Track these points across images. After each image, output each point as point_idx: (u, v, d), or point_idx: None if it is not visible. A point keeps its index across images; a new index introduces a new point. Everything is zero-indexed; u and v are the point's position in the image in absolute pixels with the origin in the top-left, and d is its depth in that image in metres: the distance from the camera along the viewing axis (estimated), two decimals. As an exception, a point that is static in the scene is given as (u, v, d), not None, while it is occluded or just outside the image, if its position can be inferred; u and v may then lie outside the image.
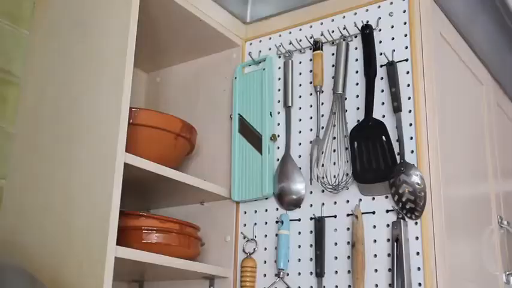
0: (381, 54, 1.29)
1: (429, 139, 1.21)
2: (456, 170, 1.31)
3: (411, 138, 1.22)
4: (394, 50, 1.28)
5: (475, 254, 1.35)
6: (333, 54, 1.36)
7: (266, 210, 1.36)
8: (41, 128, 1.27)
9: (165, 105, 1.58)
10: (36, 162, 1.24)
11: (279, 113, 1.40)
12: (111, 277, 1.04)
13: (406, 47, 1.27)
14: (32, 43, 1.37)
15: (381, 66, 1.29)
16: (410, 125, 1.22)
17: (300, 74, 1.40)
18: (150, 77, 1.66)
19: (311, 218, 1.29)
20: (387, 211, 1.20)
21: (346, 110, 1.30)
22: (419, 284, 1.13)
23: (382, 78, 1.28)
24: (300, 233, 1.30)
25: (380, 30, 1.31)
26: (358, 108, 1.29)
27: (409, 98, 1.24)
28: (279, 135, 1.39)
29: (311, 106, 1.36)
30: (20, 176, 1.26)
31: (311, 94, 1.37)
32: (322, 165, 1.28)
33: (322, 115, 1.34)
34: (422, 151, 1.20)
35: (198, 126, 1.41)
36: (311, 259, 1.26)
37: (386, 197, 1.21)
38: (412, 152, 1.21)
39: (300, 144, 1.36)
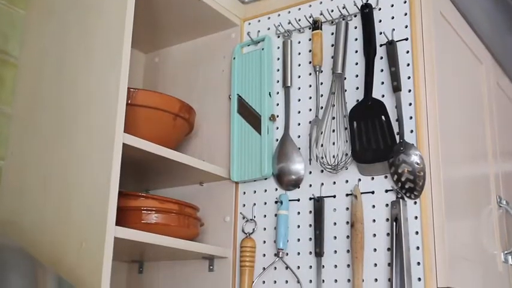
0: (381, 33, 1.28)
1: (429, 119, 1.20)
2: (455, 150, 1.31)
3: (411, 117, 1.21)
4: (393, 29, 1.27)
5: (473, 234, 1.35)
6: (332, 33, 1.35)
7: (265, 190, 1.36)
8: (39, 109, 1.26)
9: (164, 85, 1.57)
10: (34, 143, 1.24)
11: (278, 93, 1.40)
12: (110, 257, 1.04)
13: (406, 26, 1.26)
14: (28, 23, 1.36)
15: (381, 45, 1.28)
16: (410, 104, 1.22)
17: (299, 53, 1.39)
18: (148, 57, 1.65)
19: (310, 198, 1.29)
20: (386, 191, 1.20)
21: (346, 90, 1.30)
22: (418, 263, 1.13)
23: (381, 57, 1.27)
24: (299, 213, 1.30)
25: (380, 9, 1.30)
26: (357, 88, 1.29)
27: (409, 78, 1.23)
28: (278, 116, 1.38)
29: (310, 86, 1.36)
30: (19, 157, 1.26)
31: (310, 74, 1.36)
32: (322, 145, 1.27)
33: (322, 95, 1.33)
34: (421, 131, 1.19)
35: (196, 107, 1.40)
36: (310, 239, 1.27)
37: (386, 177, 1.21)
38: (412, 131, 1.20)
39: (299, 124, 1.35)
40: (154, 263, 1.46)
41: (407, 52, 1.24)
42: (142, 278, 1.47)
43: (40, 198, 1.18)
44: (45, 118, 1.24)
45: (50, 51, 1.29)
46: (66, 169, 1.15)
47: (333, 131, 1.28)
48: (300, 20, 1.39)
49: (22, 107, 1.30)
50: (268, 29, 1.45)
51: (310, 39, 1.37)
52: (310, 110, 1.34)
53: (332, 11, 1.35)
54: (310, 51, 1.37)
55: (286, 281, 1.28)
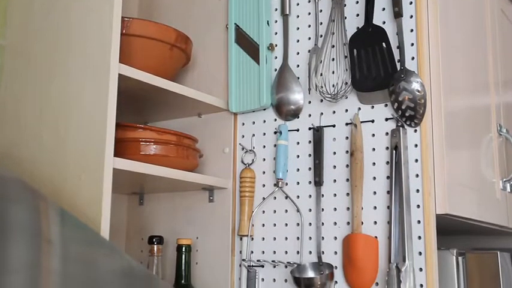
0: (382, -44, 1.23)
1: (430, 45, 1.18)
2: (457, 77, 1.29)
3: (412, 44, 1.19)
4: (395, -48, 1.22)
5: (473, 161, 1.35)
6: (332, -42, 1.30)
7: (264, 121, 1.35)
8: (32, 41, 1.23)
9: (159, 15, 1.53)
10: (29, 75, 1.22)
11: (276, 21, 1.36)
12: (110, 189, 1.04)
13: (408, -51, 1.22)
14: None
15: (382, -31, 1.24)
16: (412, 31, 1.19)
17: (298, -20, 1.35)
18: (142, -14, 1.60)
19: (309, 128, 1.28)
20: (386, 119, 1.19)
21: (346, 17, 1.26)
22: (417, 191, 1.14)
23: (382, -18, 1.23)
24: (298, 143, 1.29)
25: None
26: (357, 15, 1.26)
27: (411, 3, 1.20)
28: (276, 45, 1.35)
29: (309, 14, 1.32)
30: (14, 88, 1.24)
31: (309, 1, 1.33)
32: (321, 74, 1.25)
33: (321, 23, 1.30)
34: (423, 58, 1.17)
35: (193, 37, 1.37)
36: (310, 168, 1.27)
37: (386, 105, 1.20)
38: (413, 58, 1.18)
39: (298, 53, 1.33)
40: (155, 194, 1.47)
41: (410, -24, 1.21)
42: (143, 210, 1.49)
43: (37, 130, 1.17)
44: (39, 50, 1.21)
45: (41, -20, 1.25)
46: (62, 101, 1.14)
47: (333, 59, 1.26)
48: None
49: (15, 37, 1.27)
50: (266, -46, 1.40)
51: (309, -35, 1.33)
52: (310, 38, 1.32)
53: None
54: (309, -23, 1.33)
55: (286, 210, 1.29)
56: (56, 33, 1.19)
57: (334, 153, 1.24)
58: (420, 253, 1.12)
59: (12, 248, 0.78)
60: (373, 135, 1.20)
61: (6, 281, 0.67)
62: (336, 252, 1.21)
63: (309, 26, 1.32)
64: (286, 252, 1.27)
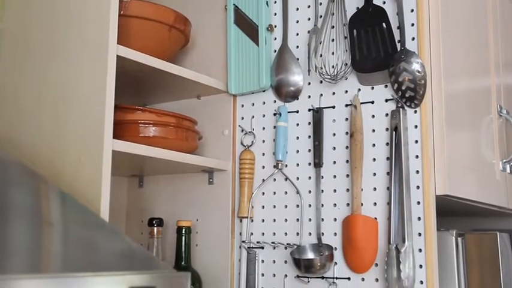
0: None
1: (431, 25, 1.17)
2: (458, 58, 1.28)
3: (412, 24, 1.18)
4: None
5: (473, 142, 1.35)
6: None
7: (264, 102, 1.34)
8: (30, 23, 1.22)
9: (157, -4, 1.52)
10: (28, 58, 1.21)
11: (275, 2, 1.35)
12: (109, 171, 1.04)
13: None
14: None
15: (382, -52, 1.22)
16: (412, 11, 1.18)
17: (297, -41, 1.33)
18: (140, -33, 1.58)
19: (309, 109, 1.28)
20: (386, 100, 1.19)
21: (345, -3, 1.26)
22: (417, 172, 1.14)
23: (383, -39, 1.22)
24: (298, 124, 1.29)
25: None
26: (357, -5, 1.25)
27: (411, -17, 1.19)
28: (275, 26, 1.34)
29: (309, -6, 1.31)
30: (12, 72, 1.23)
31: (309, -19, 1.32)
32: (321, 55, 1.24)
33: (320, 3, 1.29)
34: (423, 38, 1.16)
35: (192, 18, 1.36)
36: (309, 150, 1.27)
37: (386, 86, 1.19)
38: (413, 39, 1.17)
39: (297, 34, 1.32)
40: (154, 177, 1.47)
41: (410, -45, 1.19)
42: (143, 192, 1.49)
43: (36, 114, 1.16)
44: (37, 33, 1.20)
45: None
46: (61, 84, 1.13)
47: (332, 40, 1.25)
48: None
49: (13, 22, 1.26)
50: None
51: None
52: (309, 19, 1.31)
53: None
54: (308, -44, 1.31)
55: (286, 192, 1.29)
56: (54, 16, 1.18)
57: (334, 134, 1.24)
58: (420, 234, 1.12)
59: (12, 230, 0.78)
60: (373, 116, 1.20)
61: (7, 263, 0.67)
62: (335, 234, 1.21)
63: (309, 6, 1.31)
64: (286, 233, 1.28)
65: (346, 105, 1.23)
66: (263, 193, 1.32)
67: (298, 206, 1.27)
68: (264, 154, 1.33)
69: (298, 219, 1.26)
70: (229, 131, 1.37)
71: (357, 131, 1.19)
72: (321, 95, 1.27)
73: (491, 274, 1.33)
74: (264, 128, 1.34)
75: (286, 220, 1.28)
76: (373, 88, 1.21)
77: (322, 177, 1.24)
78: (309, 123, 1.27)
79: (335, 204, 1.22)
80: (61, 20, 1.16)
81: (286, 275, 1.26)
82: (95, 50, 1.08)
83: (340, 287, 1.19)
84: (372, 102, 1.20)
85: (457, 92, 1.26)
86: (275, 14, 1.35)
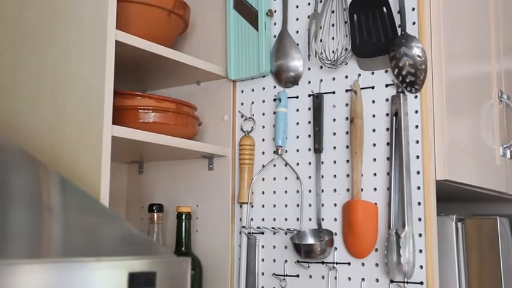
0: None
1: (432, 9, 1.16)
2: (459, 43, 1.28)
3: (413, 9, 1.17)
4: None
5: (473, 127, 1.34)
6: None
7: (263, 88, 1.34)
8: (28, 7, 1.22)
9: (156, -19, 1.51)
10: (26, 43, 1.20)
11: (275, -14, 1.35)
12: (108, 156, 1.04)
13: None
14: None
15: None
16: (413, -5, 1.18)
17: None
18: (138, -48, 1.57)
19: (309, 95, 1.27)
20: (387, 85, 1.19)
21: (346, -18, 1.25)
22: (417, 157, 1.14)
23: None
24: (298, 110, 1.29)
25: None
26: (358, -21, 1.24)
27: (412, -33, 1.18)
28: (275, 11, 1.33)
29: (309, -22, 1.30)
30: (11, 56, 1.23)
31: (309, -35, 1.31)
32: (321, 40, 1.24)
33: (321, -12, 1.28)
34: (424, 22, 1.16)
35: (191, 4, 1.35)
36: (309, 135, 1.26)
37: (386, 71, 1.19)
38: (414, 23, 1.17)
39: (297, 19, 1.31)
40: (154, 163, 1.47)
41: None
42: (143, 178, 1.49)
43: (35, 99, 1.16)
44: (36, 18, 1.19)
45: None
46: (59, 69, 1.13)
47: (333, 25, 1.24)
48: None
49: (10, 6, 1.25)
50: None
51: None
52: (309, 4, 1.30)
53: None
54: None
55: (286, 178, 1.29)
56: (52, 1, 1.17)
57: (334, 120, 1.24)
58: (420, 219, 1.12)
59: (12, 215, 0.78)
60: (373, 101, 1.20)
61: (7, 248, 0.67)
62: (335, 219, 1.21)
63: (309, -9, 1.30)
64: (286, 219, 1.28)
65: (346, 91, 1.23)
66: (263, 179, 1.32)
67: (298, 191, 1.27)
68: (263, 140, 1.32)
69: (298, 205, 1.26)
70: (229, 116, 1.37)
71: (357, 116, 1.18)
72: (321, 80, 1.26)
73: (491, 259, 1.33)
74: (263, 114, 1.33)
75: (286, 205, 1.28)
76: (373, 73, 1.20)
77: (322, 162, 1.24)
78: (309, 108, 1.27)
79: (335, 190, 1.22)
80: (59, 5, 1.16)
81: (286, 260, 1.26)
82: (94, 35, 1.08)
83: (340, 272, 1.19)
84: (372, 88, 1.20)
85: (458, 77, 1.26)
86: (275, -1, 1.34)
